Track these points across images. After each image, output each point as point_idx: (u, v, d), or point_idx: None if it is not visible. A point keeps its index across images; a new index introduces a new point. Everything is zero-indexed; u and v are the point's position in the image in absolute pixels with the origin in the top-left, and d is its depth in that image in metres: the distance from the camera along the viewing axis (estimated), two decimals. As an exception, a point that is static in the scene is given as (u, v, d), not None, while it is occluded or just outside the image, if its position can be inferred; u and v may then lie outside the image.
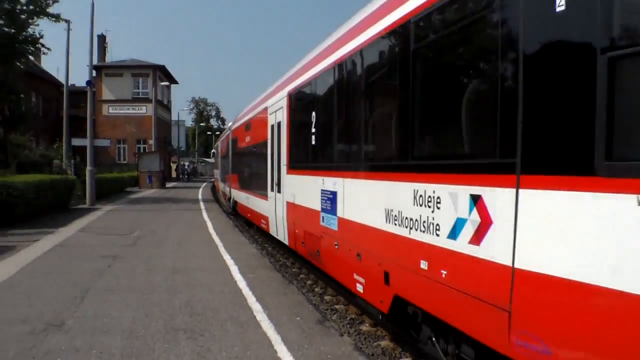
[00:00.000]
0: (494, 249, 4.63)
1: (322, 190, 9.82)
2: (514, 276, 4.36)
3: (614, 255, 3.49)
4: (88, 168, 27.36)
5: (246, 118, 20.93)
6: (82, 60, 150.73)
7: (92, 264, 11.76)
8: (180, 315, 7.99)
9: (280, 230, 13.85)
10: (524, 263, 4.27)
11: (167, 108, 72.66)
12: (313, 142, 10.59)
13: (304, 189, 11.22)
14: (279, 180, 13.57)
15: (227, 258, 12.81)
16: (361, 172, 7.98)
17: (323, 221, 9.83)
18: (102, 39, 65.19)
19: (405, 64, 6.47)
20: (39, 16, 26.37)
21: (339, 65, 9.15)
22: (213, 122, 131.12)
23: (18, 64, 27.47)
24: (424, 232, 5.87)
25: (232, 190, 26.25)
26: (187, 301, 8.80)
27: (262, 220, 16.67)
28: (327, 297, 10.49)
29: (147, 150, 55.80)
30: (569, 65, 3.89)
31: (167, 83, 65.47)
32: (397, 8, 6.69)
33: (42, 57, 39.87)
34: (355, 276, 8.24)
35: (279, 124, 13.76)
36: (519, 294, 4.32)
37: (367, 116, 7.98)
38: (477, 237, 4.87)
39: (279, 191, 13.67)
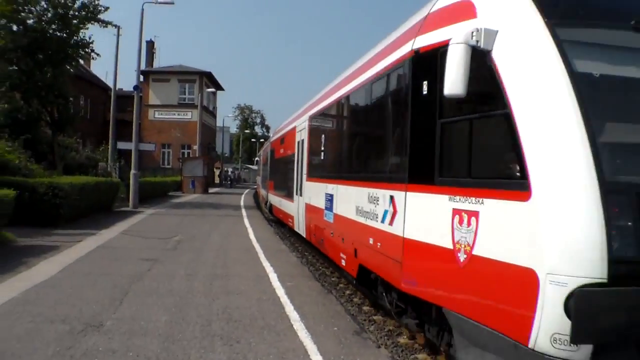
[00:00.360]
0: (397, 227, 7.50)
1: (325, 193, 12.69)
2: (404, 241, 7.21)
3: (440, 227, 6.20)
4: (132, 171, 27.76)
5: (281, 133, 24.41)
6: (130, 64, 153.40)
7: (132, 267, 11.87)
8: (218, 322, 7.98)
9: (301, 226, 16.86)
10: (407, 233, 7.13)
11: (213, 114, 73.27)
12: (322, 157, 14.02)
13: (316, 193, 14.07)
14: (301, 186, 16.61)
15: (267, 265, 12.83)
16: (346, 180, 10.93)
17: (325, 216, 12.70)
18: (150, 44, 66.32)
19: (359, 118, 10.88)
20: (91, 22, 26.89)
21: (328, 108, 13.34)
22: (258, 130, 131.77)
23: (68, 67, 28.00)
24: (371, 219, 8.82)
25: (269, 194, 28.89)
26: (224, 307, 8.80)
27: (289, 219, 19.69)
28: (365, 308, 10.36)
29: (191, 156, 56.33)
30: (425, 126, 6.70)
31: (213, 89, 66.14)
32: (358, 77, 10.56)
33: (92, 61, 40.62)
34: (341, 254, 11.21)
35: (302, 141, 16.93)
36: (405, 251, 7.18)
37: (347, 142, 11.54)
38: (391, 220, 7.75)
39: (300, 195, 16.75)
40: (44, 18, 25.48)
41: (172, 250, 14.58)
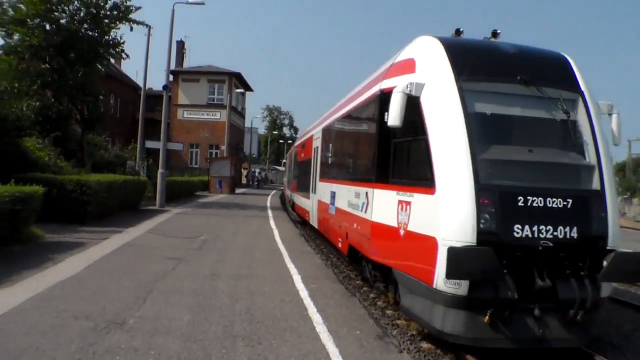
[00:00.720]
0: (368, 213, 10.39)
1: (331, 191, 15.68)
2: (371, 224, 10.15)
3: (390, 212, 9.04)
4: (160, 170, 27.93)
5: (303, 139, 28.00)
6: (161, 64, 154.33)
7: (157, 265, 11.94)
8: (240, 322, 7.99)
9: (314, 219, 20.04)
10: (374, 217, 10.05)
11: (241, 115, 73.55)
12: (329, 162, 17.22)
13: (325, 191, 17.12)
14: (315, 185, 19.83)
15: (291, 267, 12.83)
16: (342, 181, 13.95)
17: (330, 210, 15.60)
18: (180, 44, 66.85)
19: (351, 134, 14.02)
20: (122, 21, 27.13)
21: (332, 124, 16.82)
22: (286, 131, 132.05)
23: (99, 66, 28.26)
24: (355, 209, 11.75)
25: (292, 193, 32.17)
26: (247, 308, 8.80)
27: (307, 214, 22.69)
28: (388, 312, 10.27)
29: (219, 156, 56.60)
30: (385, 143, 9.48)
31: (242, 90, 66.38)
32: (349, 104, 14.00)
33: (122, 60, 41.02)
34: (338, 239, 14.30)
35: (317, 148, 20.19)
36: (372, 230, 10.17)
37: (344, 151, 15.03)
38: (366, 209, 10.67)
39: (314, 193, 19.88)
40: (76, 17, 25.76)
41: (198, 250, 14.64)
